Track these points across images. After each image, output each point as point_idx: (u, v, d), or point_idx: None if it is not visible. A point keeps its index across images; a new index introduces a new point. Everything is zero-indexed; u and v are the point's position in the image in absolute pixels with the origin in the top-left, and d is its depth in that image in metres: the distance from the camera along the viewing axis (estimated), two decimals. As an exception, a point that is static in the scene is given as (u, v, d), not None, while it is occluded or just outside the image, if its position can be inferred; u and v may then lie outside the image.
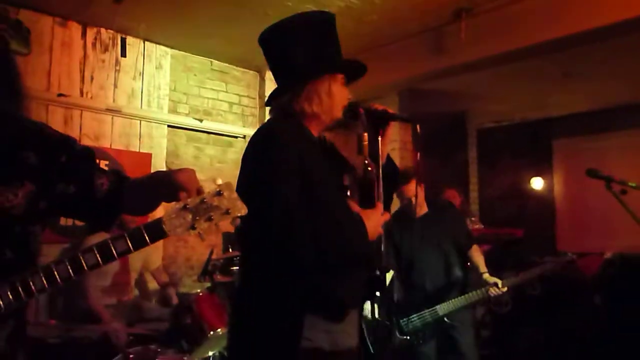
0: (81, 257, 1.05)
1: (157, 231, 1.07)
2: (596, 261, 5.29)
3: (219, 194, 1.07)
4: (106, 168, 4.10)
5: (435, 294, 3.05)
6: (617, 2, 3.14)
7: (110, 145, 4.22)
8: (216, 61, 5.04)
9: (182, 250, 4.63)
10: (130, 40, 4.35)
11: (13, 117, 1.20)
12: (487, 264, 4.48)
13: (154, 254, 3.96)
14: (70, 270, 1.05)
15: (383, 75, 4.49)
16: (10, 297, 1.03)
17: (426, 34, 4.16)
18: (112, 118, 4.25)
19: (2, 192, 1.13)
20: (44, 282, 1.04)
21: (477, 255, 3.26)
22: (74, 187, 1.25)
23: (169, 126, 4.63)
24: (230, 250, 4.01)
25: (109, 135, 4.23)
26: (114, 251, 1.06)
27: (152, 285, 4.12)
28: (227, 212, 1.06)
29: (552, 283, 4.75)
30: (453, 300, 3.01)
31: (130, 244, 1.07)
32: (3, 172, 1.14)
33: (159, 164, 4.50)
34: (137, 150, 4.38)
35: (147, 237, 1.08)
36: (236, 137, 5.16)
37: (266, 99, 1.74)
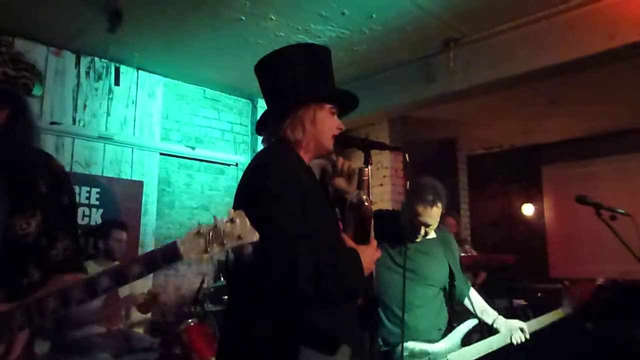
0: (97, 281, 1.05)
1: (172, 254, 1.06)
2: (588, 287, 5.29)
3: (231, 221, 1.08)
4: (97, 195, 4.10)
5: (431, 338, 2.41)
6: (601, 32, 3.23)
7: (102, 173, 4.20)
8: (209, 89, 5.09)
9: (172, 279, 4.58)
10: (123, 69, 4.39)
11: (28, 147, 1.25)
12: (482, 291, 4.42)
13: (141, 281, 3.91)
14: (87, 293, 1.05)
15: (374, 103, 4.56)
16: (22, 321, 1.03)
17: (416, 63, 4.24)
18: (104, 145, 4.25)
19: (17, 221, 1.16)
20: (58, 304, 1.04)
21: (479, 298, 2.67)
22: (52, 235, 1.26)
23: (161, 154, 4.63)
24: (222, 279, 3.97)
25: (101, 162, 4.22)
26: (128, 275, 1.06)
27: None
28: (239, 238, 1.08)
29: (545, 310, 4.73)
30: (473, 346, 2.43)
31: (145, 268, 1.07)
32: (20, 198, 1.17)
33: (150, 192, 4.49)
34: (129, 178, 4.37)
35: (161, 261, 1.07)
36: (228, 164, 5.18)
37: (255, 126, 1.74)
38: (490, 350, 2.44)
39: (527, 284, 5.65)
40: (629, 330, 4.28)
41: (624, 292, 4.86)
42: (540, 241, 7.20)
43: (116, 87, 4.34)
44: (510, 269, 4.28)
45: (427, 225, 2.41)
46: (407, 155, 1.85)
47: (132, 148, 4.43)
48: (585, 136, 6.67)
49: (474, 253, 4.82)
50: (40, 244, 1.21)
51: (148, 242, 4.43)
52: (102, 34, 3.64)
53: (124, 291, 3.57)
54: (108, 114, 4.33)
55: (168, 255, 1.06)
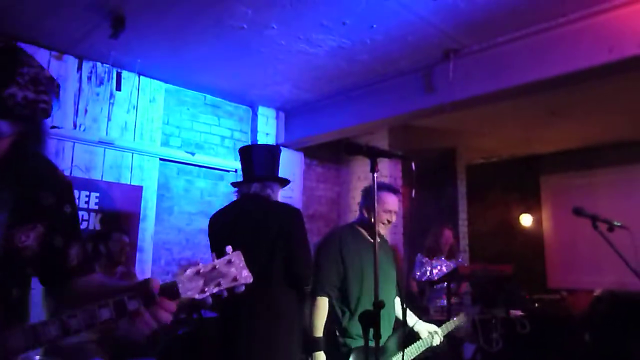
0: (97, 311, 1.07)
1: (171, 292, 1.13)
2: (586, 298, 5.29)
3: (229, 262, 1.17)
4: (97, 200, 4.11)
5: (384, 339, 2.60)
6: (600, 45, 3.25)
7: (102, 177, 4.22)
8: (209, 96, 5.11)
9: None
10: (125, 74, 4.41)
11: (36, 158, 1.25)
12: (479, 300, 4.44)
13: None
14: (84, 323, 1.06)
15: (374, 112, 4.58)
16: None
17: (416, 73, 4.26)
18: (104, 150, 4.27)
19: (16, 233, 1.15)
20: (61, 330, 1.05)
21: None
22: (63, 243, 1.27)
23: (160, 159, 4.65)
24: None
25: (100, 167, 4.23)
26: (127, 307, 1.09)
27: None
28: (234, 279, 1.16)
29: (542, 321, 4.73)
30: (408, 349, 2.67)
31: (142, 302, 1.11)
32: (22, 211, 1.17)
33: (149, 197, 4.50)
34: (129, 183, 4.38)
35: (158, 296, 1.13)
36: (227, 170, 5.19)
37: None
38: (419, 352, 2.75)
39: (525, 294, 5.64)
40: (627, 341, 4.27)
41: (621, 303, 4.86)
42: (538, 252, 7.21)
43: (117, 92, 4.36)
44: (509, 279, 4.28)
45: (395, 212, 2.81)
46: (413, 163, 1.88)
47: (132, 153, 4.44)
48: (584, 147, 6.70)
49: (465, 264, 4.83)
50: (48, 254, 1.22)
51: (147, 247, 4.44)
52: (104, 40, 3.66)
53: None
54: (109, 119, 4.35)
55: (168, 292, 1.13)
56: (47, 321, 1.04)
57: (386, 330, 2.68)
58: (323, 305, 2.59)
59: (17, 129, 1.13)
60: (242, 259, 1.19)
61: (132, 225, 4.27)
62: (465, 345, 4.27)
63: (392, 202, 2.78)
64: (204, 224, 4.98)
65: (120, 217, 4.24)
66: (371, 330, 1.84)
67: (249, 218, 2.66)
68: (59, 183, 1.29)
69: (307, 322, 2.60)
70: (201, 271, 1.14)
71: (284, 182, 2.86)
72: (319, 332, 2.55)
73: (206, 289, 1.13)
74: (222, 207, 2.97)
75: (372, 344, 2.16)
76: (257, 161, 2.76)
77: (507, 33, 3.65)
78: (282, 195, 2.94)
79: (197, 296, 1.13)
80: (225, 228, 2.74)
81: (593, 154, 6.67)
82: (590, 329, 4.69)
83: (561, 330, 4.84)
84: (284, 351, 2.52)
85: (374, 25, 3.54)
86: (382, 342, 2.57)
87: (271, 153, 2.85)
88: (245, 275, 1.18)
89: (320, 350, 2.49)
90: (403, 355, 2.52)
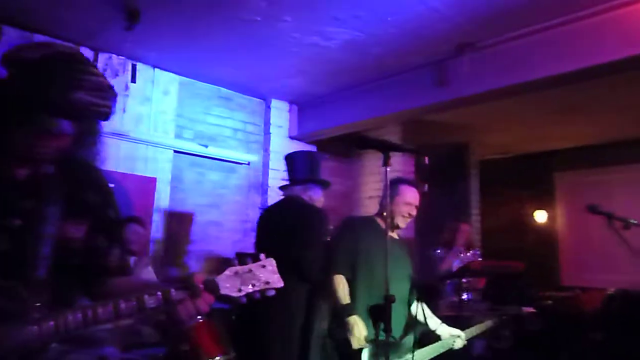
0: (144, 299, 1.17)
1: (211, 288, 1.24)
2: (599, 296, 5.24)
3: (262, 266, 1.28)
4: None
5: (398, 334, 2.66)
6: (616, 40, 3.20)
7: (116, 169, 4.26)
8: (223, 88, 5.13)
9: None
10: (140, 66, 4.45)
11: (86, 161, 1.34)
12: (489, 297, 4.44)
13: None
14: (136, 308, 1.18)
15: (386, 106, 4.56)
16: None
17: (429, 66, 4.23)
18: (119, 142, 4.31)
19: (68, 225, 1.26)
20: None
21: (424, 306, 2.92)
22: (105, 244, 1.37)
23: (174, 151, 4.68)
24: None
25: (115, 158, 4.28)
26: (173, 297, 1.19)
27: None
28: (267, 283, 1.27)
29: (553, 318, 4.70)
30: (427, 349, 2.67)
31: (188, 295, 1.22)
32: (73, 207, 1.28)
33: (162, 188, 4.54)
34: (142, 174, 4.42)
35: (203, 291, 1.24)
36: (240, 163, 5.21)
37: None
38: (437, 354, 2.74)
39: (537, 291, 5.61)
40: (639, 340, 4.23)
41: (634, 302, 4.81)
42: (552, 248, 7.14)
43: (132, 84, 4.39)
44: (520, 276, 4.25)
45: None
46: (426, 157, 1.89)
47: (146, 145, 4.48)
48: (599, 144, 6.60)
49: (479, 258, 4.81)
50: (91, 252, 1.33)
51: (159, 238, 4.49)
52: (120, 32, 3.69)
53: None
54: (123, 111, 4.39)
55: (209, 287, 1.23)
56: (101, 303, 1.15)
57: (398, 325, 2.68)
58: (339, 279, 2.68)
59: (79, 129, 1.21)
60: (275, 264, 1.30)
61: (145, 217, 4.31)
62: (475, 341, 4.26)
63: (412, 196, 2.83)
64: (215, 216, 5.04)
65: (135, 208, 4.28)
66: (381, 324, 1.86)
67: (280, 218, 3.01)
68: (104, 187, 1.42)
69: (333, 297, 2.71)
70: (238, 272, 1.25)
71: (325, 184, 3.16)
72: (346, 299, 2.63)
73: (242, 289, 1.24)
74: (268, 205, 3.51)
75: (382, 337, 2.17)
76: (298, 166, 3.12)
77: (523, 27, 3.60)
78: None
79: (233, 294, 1.23)
80: (266, 226, 3.16)
81: (609, 151, 6.57)
82: (602, 327, 4.65)
83: (573, 328, 4.80)
84: (292, 339, 2.74)
85: (388, 18, 3.51)
86: (397, 337, 2.61)
87: (311, 158, 3.20)
88: (277, 280, 1.28)
89: (352, 314, 2.56)
90: (413, 355, 2.51)
